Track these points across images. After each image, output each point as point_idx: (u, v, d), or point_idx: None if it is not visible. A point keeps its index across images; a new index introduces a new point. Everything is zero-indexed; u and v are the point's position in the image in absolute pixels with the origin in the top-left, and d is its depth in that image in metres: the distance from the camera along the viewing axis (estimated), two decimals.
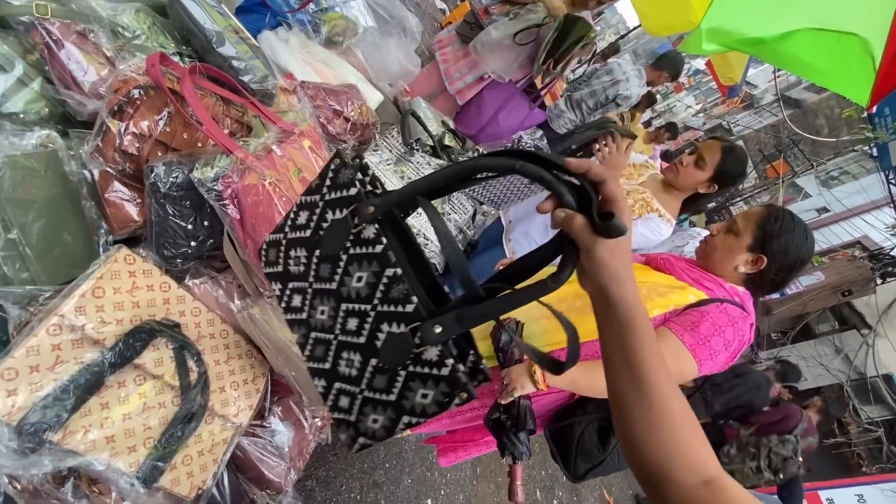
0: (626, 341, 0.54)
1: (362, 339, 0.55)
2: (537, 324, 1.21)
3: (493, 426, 1.13)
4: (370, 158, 1.70)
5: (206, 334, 0.94)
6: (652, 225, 1.65)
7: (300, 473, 1.14)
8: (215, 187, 0.86)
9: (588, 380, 1.08)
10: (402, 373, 0.51)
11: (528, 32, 2.13)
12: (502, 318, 1.13)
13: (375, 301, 0.54)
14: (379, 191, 0.61)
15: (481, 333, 1.28)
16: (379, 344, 0.53)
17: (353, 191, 0.56)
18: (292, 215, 0.64)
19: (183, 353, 0.87)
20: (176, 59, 1.01)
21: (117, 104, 0.85)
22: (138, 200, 0.95)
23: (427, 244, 1.60)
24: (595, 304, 0.57)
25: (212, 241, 0.99)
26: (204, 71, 0.98)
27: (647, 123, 8.80)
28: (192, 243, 0.94)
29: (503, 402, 1.10)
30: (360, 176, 0.58)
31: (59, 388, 0.72)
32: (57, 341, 0.72)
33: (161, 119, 0.89)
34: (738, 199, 9.08)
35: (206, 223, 0.95)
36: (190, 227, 0.93)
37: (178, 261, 0.94)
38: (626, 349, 0.54)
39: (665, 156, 5.75)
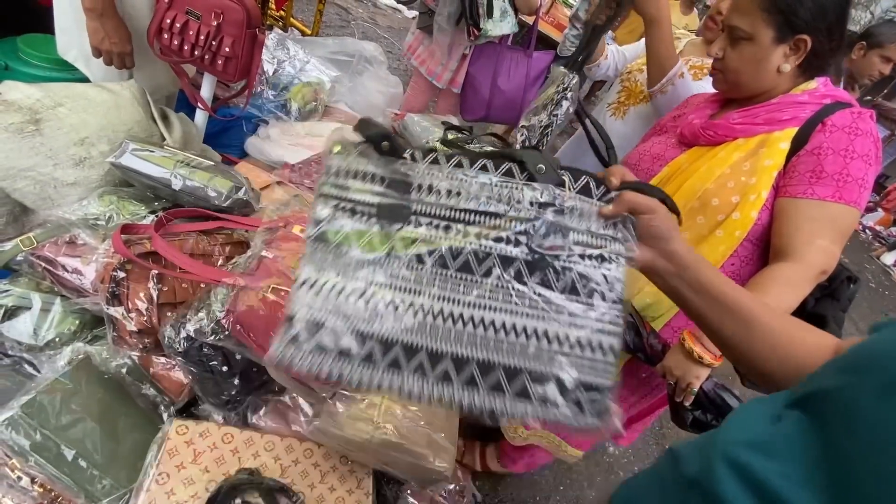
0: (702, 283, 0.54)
1: None
2: (643, 296, 1.00)
3: (697, 429, 0.93)
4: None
5: (290, 463, 0.89)
6: None
7: None
8: (216, 329, 0.81)
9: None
10: None
11: None
12: None
13: None
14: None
15: None
16: None
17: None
18: None
19: (273, 496, 0.82)
20: (149, 218, 1.01)
21: (108, 292, 0.85)
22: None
23: None
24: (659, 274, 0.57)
25: (255, 368, 0.95)
26: (172, 216, 0.97)
27: None
28: (237, 381, 0.91)
29: (689, 403, 0.90)
30: None
31: None
32: None
33: (152, 284, 0.88)
34: None
35: (237, 357, 0.92)
36: (225, 368, 0.90)
37: (234, 404, 0.91)
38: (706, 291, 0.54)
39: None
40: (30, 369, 0.96)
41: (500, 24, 1.98)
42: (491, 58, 2.21)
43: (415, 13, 6.09)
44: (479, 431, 1.71)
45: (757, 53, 0.89)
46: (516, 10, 2.09)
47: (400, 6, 5.94)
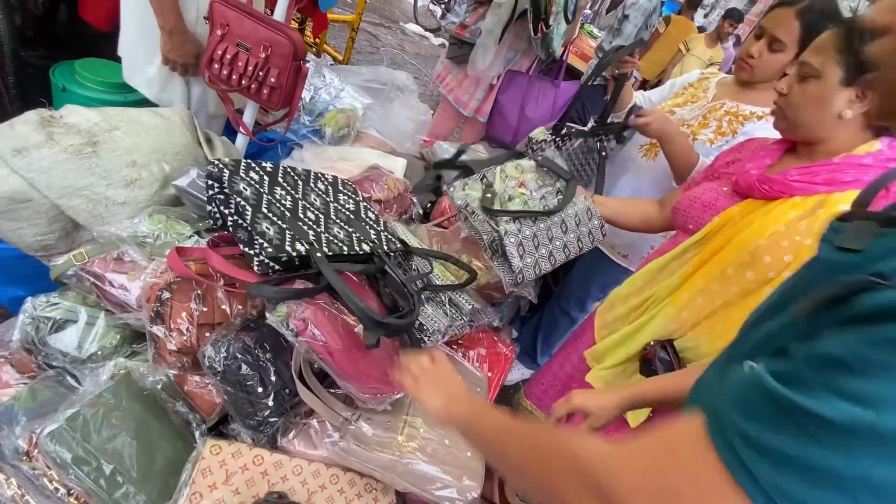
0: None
1: None
2: (684, 340, 0.99)
3: None
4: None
5: (316, 488, 0.89)
6: (760, 134, 1.33)
7: None
8: (289, 327, 0.83)
9: None
10: None
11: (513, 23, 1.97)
12: (647, 346, 0.95)
13: None
14: None
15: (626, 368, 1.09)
16: None
17: None
18: None
19: None
20: (193, 240, 1.05)
21: (153, 311, 0.88)
22: (213, 383, 0.97)
23: None
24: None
25: (287, 390, 0.96)
26: (221, 240, 1.01)
27: (703, 29, 7.73)
28: (270, 403, 0.92)
29: None
30: None
31: None
32: None
33: (195, 305, 0.91)
34: None
35: (272, 378, 0.93)
36: (260, 389, 0.91)
37: (265, 426, 0.92)
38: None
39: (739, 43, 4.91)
40: (72, 381, 0.99)
41: (557, 40, 2.03)
42: (520, 87, 2.26)
43: (441, 40, 6.28)
44: None
45: (821, 92, 0.87)
46: None
47: (427, 34, 6.12)
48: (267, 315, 0.85)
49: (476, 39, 2.03)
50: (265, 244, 0.86)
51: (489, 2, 1.96)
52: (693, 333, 1.00)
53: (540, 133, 1.54)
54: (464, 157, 1.83)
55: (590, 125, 1.57)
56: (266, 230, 0.89)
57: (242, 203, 0.91)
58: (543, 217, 1.20)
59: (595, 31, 4.74)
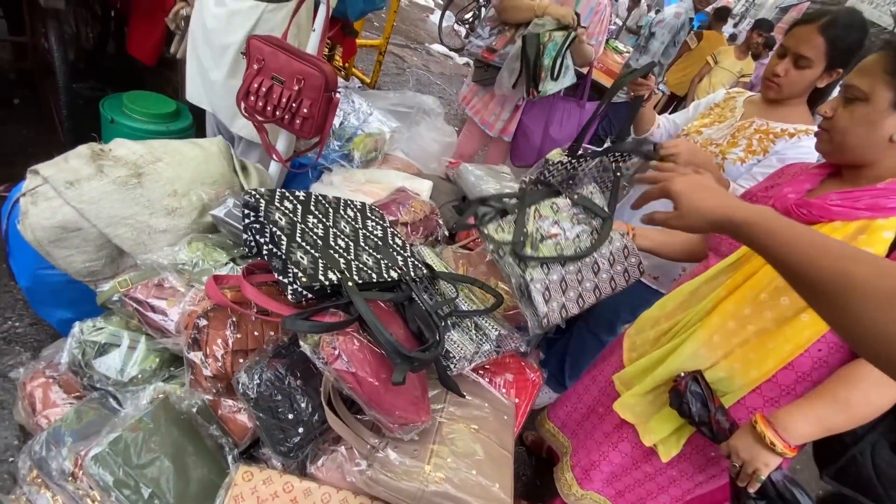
0: (782, 249, 0.60)
1: None
2: (716, 369, 0.96)
3: None
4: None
5: None
6: (792, 152, 1.29)
7: None
8: (320, 357, 0.85)
9: (842, 407, 0.81)
10: None
11: None
12: (678, 378, 0.93)
13: None
14: None
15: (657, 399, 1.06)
16: None
17: None
18: None
19: None
20: (229, 266, 1.09)
21: (191, 338, 0.92)
22: (245, 408, 0.99)
23: None
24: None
25: (316, 416, 0.98)
26: (256, 267, 1.04)
27: (734, 37, 7.59)
28: (301, 429, 0.94)
29: (752, 490, 0.86)
30: None
31: None
32: None
33: (229, 332, 0.94)
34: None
35: (303, 405, 0.95)
36: (291, 416, 0.93)
37: (296, 452, 0.94)
38: (787, 254, 0.59)
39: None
40: (113, 403, 1.04)
41: (562, 80, 2.04)
42: (544, 108, 2.27)
43: (465, 60, 6.36)
44: (528, 491, 1.65)
45: (870, 115, 0.85)
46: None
47: (451, 53, 6.23)
48: (301, 343, 0.87)
49: (503, 63, 2.06)
50: (299, 273, 0.88)
51: (515, 27, 1.99)
52: (726, 363, 0.97)
53: (556, 155, 1.54)
54: (490, 181, 1.85)
55: (606, 145, 1.56)
56: (300, 259, 0.91)
57: (278, 233, 0.94)
58: (573, 259, 1.18)
59: (620, 46, 4.72)
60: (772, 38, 4.43)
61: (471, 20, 6.72)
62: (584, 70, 2.33)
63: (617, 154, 1.46)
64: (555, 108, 2.28)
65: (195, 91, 1.57)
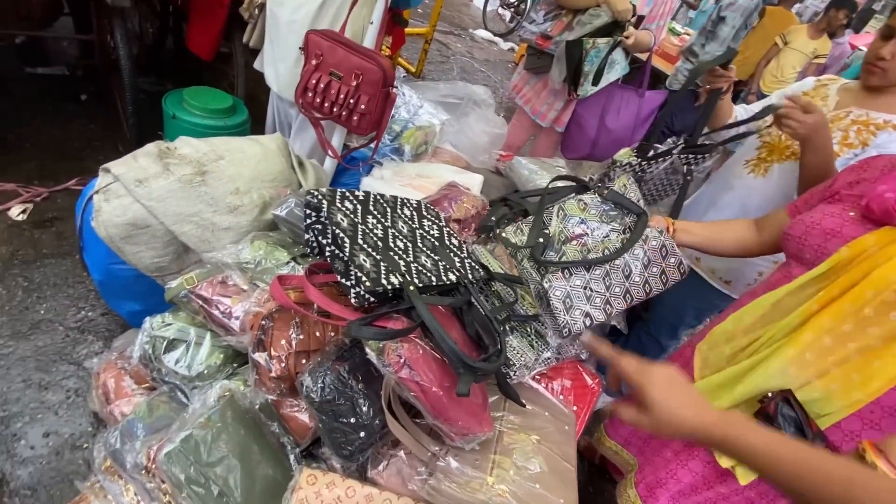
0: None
1: None
2: (809, 390, 0.88)
3: None
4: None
5: None
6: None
7: None
8: (385, 364, 0.84)
9: None
10: None
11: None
12: (765, 399, 0.84)
13: None
14: None
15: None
16: None
17: None
18: None
19: None
20: (290, 265, 1.09)
21: (256, 339, 0.92)
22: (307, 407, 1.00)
23: None
24: None
25: (377, 420, 0.97)
26: (316, 268, 1.03)
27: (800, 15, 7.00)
28: (362, 434, 0.93)
29: None
30: None
31: None
32: None
33: (293, 332, 0.94)
34: None
35: (364, 408, 0.94)
36: (353, 419, 0.92)
37: (357, 455, 0.93)
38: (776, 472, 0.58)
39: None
40: (181, 397, 1.06)
41: (608, 76, 1.95)
42: (600, 97, 2.15)
43: (510, 45, 6.20)
44: (581, 497, 1.60)
45: None
46: (627, 51, 2.03)
47: (496, 39, 6.08)
48: (366, 350, 0.85)
49: (557, 50, 1.96)
50: (363, 278, 0.86)
51: (573, 12, 1.89)
52: (821, 383, 0.88)
53: (625, 155, 1.44)
54: (545, 175, 1.77)
55: (679, 145, 1.44)
56: (363, 263, 0.89)
57: (340, 235, 0.92)
58: (600, 263, 1.09)
59: (678, 27, 4.45)
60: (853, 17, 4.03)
61: (516, 3, 6.52)
62: (643, 56, 2.20)
63: (689, 154, 1.36)
64: (612, 96, 2.16)
65: (270, 75, 1.60)
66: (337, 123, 1.35)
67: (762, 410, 0.87)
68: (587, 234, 1.17)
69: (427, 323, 0.85)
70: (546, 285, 1.07)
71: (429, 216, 1.24)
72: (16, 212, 1.74)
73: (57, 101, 2.31)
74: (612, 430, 1.31)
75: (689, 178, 1.41)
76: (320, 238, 0.99)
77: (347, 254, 0.90)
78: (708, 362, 1.08)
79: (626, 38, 1.90)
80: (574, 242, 1.14)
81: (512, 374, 1.10)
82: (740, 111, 1.45)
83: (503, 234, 1.18)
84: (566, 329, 1.09)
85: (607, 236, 1.16)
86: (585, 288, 1.09)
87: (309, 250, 1.04)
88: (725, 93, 1.34)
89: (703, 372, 1.09)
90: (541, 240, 1.11)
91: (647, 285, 1.16)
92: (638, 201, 1.22)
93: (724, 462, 0.98)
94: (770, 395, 0.88)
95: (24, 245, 1.66)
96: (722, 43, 2.34)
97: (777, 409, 0.84)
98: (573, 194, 1.26)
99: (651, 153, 1.35)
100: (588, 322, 1.10)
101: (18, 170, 1.90)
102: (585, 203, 1.21)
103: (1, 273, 1.56)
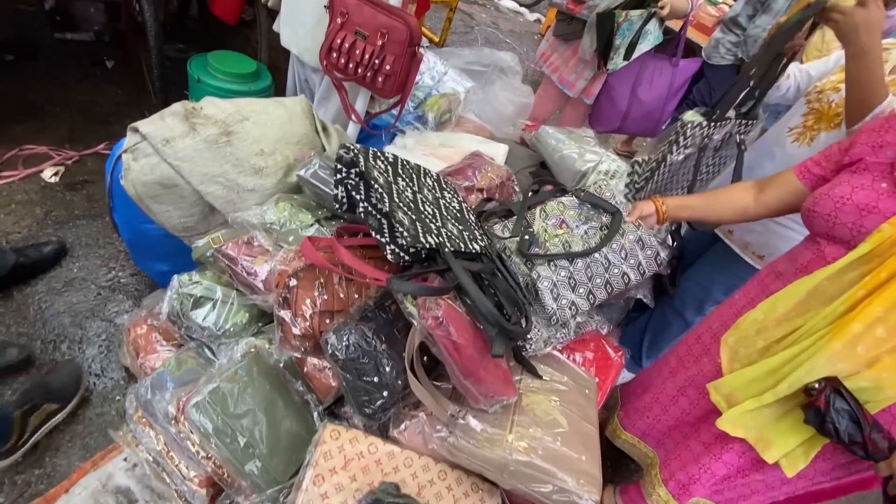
0: None
1: None
2: (857, 379, 0.83)
3: None
4: None
5: (426, 482, 0.89)
6: None
7: None
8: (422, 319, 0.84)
9: None
10: None
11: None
12: (813, 391, 0.80)
13: None
14: None
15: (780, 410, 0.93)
16: None
17: None
18: None
19: None
20: (314, 227, 1.09)
21: (281, 297, 0.93)
22: (330, 367, 1.01)
23: None
24: None
25: (400, 381, 0.97)
26: (345, 230, 1.03)
27: None
28: (385, 393, 0.94)
29: None
30: None
31: None
32: None
33: (318, 292, 0.94)
34: None
35: (387, 368, 0.94)
36: (376, 379, 0.93)
37: (379, 415, 0.94)
38: None
39: None
40: (208, 353, 1.09)
41: (640, 48, 1.87)
42: (633, 66, 2.06)
43: (537, 16, 5.97)
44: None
45: None
46: (661, 19, 1.92)
47: (522, 9, 5.88)
48: (404, 304, 0.85)
49: (590, 17, 1.87)
50: (404, 232, 0.86)
51: None
52: (871, 372, 0.82)
53: (694, 115, 1.36)
54: (572, 146, 1.72)
55: (741, 111, 1.35)
56: (402, 219, 0.88)
57: (379, 189, 0.91)
58: (581, 255, 1.16)
59: None
60: None
61: None
62: (677, 25, 2.09)
63: (742, 122, 1.31)
64: (645, 66, 2.07)
65: (287, 36, 1.57)
66: (361, 86, 1.32)
67: (811, 404, 0.82)
68: (567, 230, 1.24)
69: (464, 284, 0.84)
70: (535, 276, 1.12)
71: (448, 189, 1.22)
72: (48, 174, 1.78)
73: (84, 66, 2.33)
74: (628, 422, 1.28)
75: (743, 147, 1.36)
76: (354, 193, 0.98)
77: (388, 207, 0.89)
78: (738, 356, 1.00)
79: (661, 7, 1.80)
80: (556, 238, 1.22)
81: (528, 346, 1.09)
82: (793, 69, 1.37)
83: (492, 231, 1.22)
84: (554, 317, 1.13)
85: (586, 233, 1.24)
86: (570, 279, 1.15)
87: (338, 206, 1.03)
88: (790, 59, 1.26)
89: (732, 365, 1.00)
90: (526, 237, 1.19)
91: (625, 276, 1.21)
92: (611, 200, 1.30)
93: (770, 457, 0.93)
94: (817, 385, 0.83)
95: (56, 206, 1.71)
96: (775, 15, 2.19)
97: (829, 402, 0.80)
98: (552, 196, 1.35)
99: (716, 115, 1.29)
100: (573, 311, 1.15)
101: (50, 133, 1.93)
102: (564, 204, 1.30)
103: (35, 232, 1.60)
